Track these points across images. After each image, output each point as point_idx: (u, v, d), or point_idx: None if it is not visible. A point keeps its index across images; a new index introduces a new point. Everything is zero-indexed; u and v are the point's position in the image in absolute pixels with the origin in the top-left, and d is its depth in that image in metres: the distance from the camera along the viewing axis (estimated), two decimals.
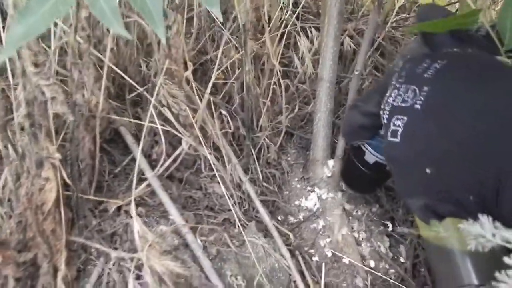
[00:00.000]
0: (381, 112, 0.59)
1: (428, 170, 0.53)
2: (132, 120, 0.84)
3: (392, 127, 0.56)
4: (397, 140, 0.56)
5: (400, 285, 0.87)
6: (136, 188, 0.82)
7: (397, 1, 1.21)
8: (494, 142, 0.49)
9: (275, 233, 0.81)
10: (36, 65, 0.65)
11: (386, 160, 0.65)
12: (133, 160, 0.86)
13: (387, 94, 0.59)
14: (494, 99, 0.51)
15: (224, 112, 0.88)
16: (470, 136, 0.51)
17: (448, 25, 0.61)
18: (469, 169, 0.51)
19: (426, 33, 0.67)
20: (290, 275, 0.79)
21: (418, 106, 0.54)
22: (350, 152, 0.84)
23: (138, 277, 0.70)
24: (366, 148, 0.78)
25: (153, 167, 0.83)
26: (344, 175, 0.92)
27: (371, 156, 0.78)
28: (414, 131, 0.55)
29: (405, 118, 0.55)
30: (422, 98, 0.54)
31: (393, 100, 0.57)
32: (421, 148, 0.54)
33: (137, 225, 0.65)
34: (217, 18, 0.84)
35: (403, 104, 0.56)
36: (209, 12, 1.00)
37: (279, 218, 0.92)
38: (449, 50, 0.62)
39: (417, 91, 0.55)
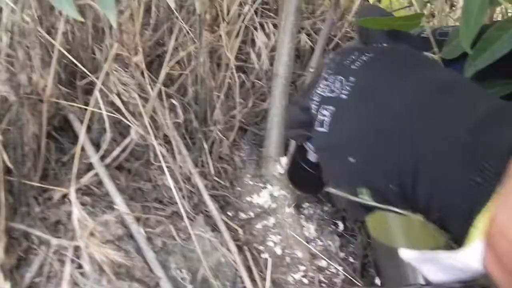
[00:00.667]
0: (311, 103, 0.58)
1: (351, 159, 0.53)
2: (80, 106, 0.82)
3: (320, 117, 0.56)
4: (324, 130, 0.56)
5: (347, 285, 0.87)
6: (83, 177, 0.80)
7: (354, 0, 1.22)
8: (412, 128, 0.49)
9: (222, 227, 0.80)
10: None
11: (315, 151, 0.65)
12: (82, 149, 0.83)
13: (316, 85, 0.59)
14: (416, 87, 0.51)
15: (176, 102, 0.87)
16: (389, 124, 0.51)
17: (390, 24, 0.62)
18: (388, 156, 0.51)
19: (363, 30, 0.68)
20: (236, 270, 0.78)
21: (344, 96, 0.54)
22: (294, 151, 0.84)
23: (79, 266, 0.68)
24: (308, 147, 0.77)
25: (102, 156, 0.81)
26: (290, 175, 0.91)
27: (313, 155, 0.78)
28: (340, 120, 0.55)
29: (332, 108, 0.56)
30: (348, 88, 0.55)
31: (322, 91, 0.57)
32: (345, 136, 0.54)
33: (76, 211, 0.63)
34: (171, 6, 0.82)
35: (330, 94, 0.56)
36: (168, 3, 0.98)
37: (229, 213, 0.90)
38: (379, 45, 0.63)
39: (344, 81, 0.55)
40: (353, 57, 0.57)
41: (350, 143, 0.54)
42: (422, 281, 0.76)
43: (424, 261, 0.52)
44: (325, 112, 0.56)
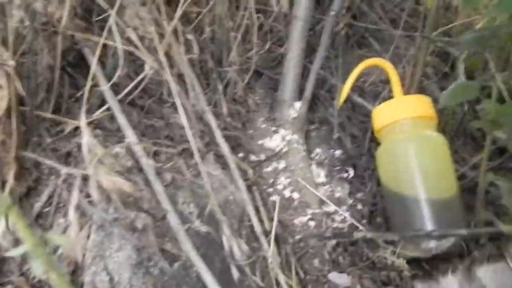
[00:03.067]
0: None
1: None
2: (96, 37, 0.81)
3: None
4: None
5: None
6: (96, 111, 0.80)
7: None
8: None
9: (232, 165, 0.80)
10: None
11: None
12: (96, 85, 0.83)
13: None
14: None
15: (191, 37, 0.86)
16: None
17: None
18: None
19: None
20: (244, 208, 0.78)
21: None
22: None
23: (87, 196, 0.68)
24: None
25: (115, 92, 0.81)
26: None
27: None
28: None
29: None
30: None
31: None
32: None
33: (86, 138, 0.63)
34: None
35: None
36: None
37: (240, 155, 0.90)
38: None
39: None
40: None
41: None
42: (429, 227, 0.77)
43: None
44: None
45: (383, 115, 0.86)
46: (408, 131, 0.82)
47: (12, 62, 0.66)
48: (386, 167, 0.85)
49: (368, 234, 0.81)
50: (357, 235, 0.81)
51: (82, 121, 0.65)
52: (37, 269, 0.29)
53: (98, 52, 0.74)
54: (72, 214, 0.62)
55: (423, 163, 0.80)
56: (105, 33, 0.75)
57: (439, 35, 0.96)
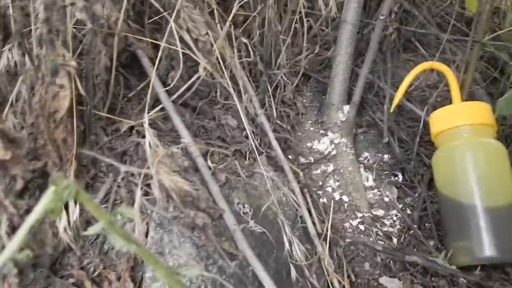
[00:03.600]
0: None
1: None
2: (149, 39, 0.83)
3: None
4: None
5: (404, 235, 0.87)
6: (149, 112, 0.81)
7: None
8: None
9: (286, 167, 0.80)
10: None
11: None
12: (148, 85, 0.85)
13: None
14: None
15: (245, 40, 0.87)
16: None
17: None
18: None
19: None
20: (297, 210, 0.79)
21: None
22: None
23: (146, 194, 0.69)
24: None
25: (168, 93, 0.82)
26: None
27: None
28: None
29: None
30: None
31: None
32: None
33: (149, 137, 0.64)
34: None
35: None
36: None
37: (290, 157, 0.91)
38: None
39: None
40: None
41: None
42: (485, 237, 0.76)
43: None
44: None
45: (441, 120, 0.85)
46: (467, 137, 0.82)
47: (73, 63, 0.67)
48: (442, 172, 0.84)
49: (419, 260, 0.80)
50: (409, 258, 0.80)
51: (146, 121, 0.66)
52: (116, 242, 0.29)
53: (159, 55, 0.75)
54: (137, 212, 0.62)
55: (481, 170, 0.79)
56: (165, 37, 0.75)
57: (489, 39, 0.95)
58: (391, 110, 0.93)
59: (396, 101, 0.91)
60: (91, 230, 0.30)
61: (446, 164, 0.83)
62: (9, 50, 0.76)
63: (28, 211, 0.65)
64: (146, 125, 0.65)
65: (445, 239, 0.83)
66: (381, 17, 0.91)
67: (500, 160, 0.80)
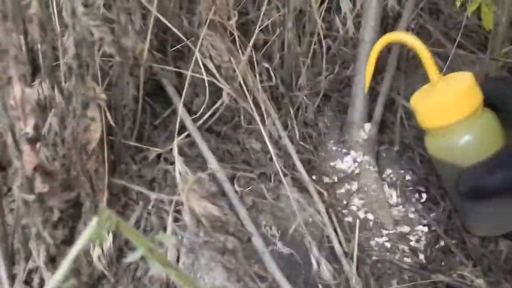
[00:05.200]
0: None
1: None
2: (174, 69, 0.85)
3: None
4: None
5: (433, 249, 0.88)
6: (174, 139, 0.84)
7: None
8: None
9: (311, 188, 0.82)
10: (85, 5, 0.66)
11: None
12: (174, 113, 0.87)
13: None
14: None
15: (266, 65, 0.89)
16: None
17: None
18: None
19: None
20: (323, 230, 0.80)
21: None
22: None
23: (175, 220, 0.71)
24: None
25: (193, 120, 0.85)
26: None
27: None
28: None
29: None
30: None
31: None
32: None
33: (178, 164, 0.67)
34: None
35: None
36: None
37: (313, 177, 0.92)
38: None
39: None
40: None
41: None
42: None
43: None
44: None
45: (432, 115, 0.77)
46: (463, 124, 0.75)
47: (103, 96, 0.70)
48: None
49: (445, 279, 0.81)
50: (436, 278, 0.81)
51: (175, 148, 0.69)
52: (157, 268, 0.31)
53: (184, 91, 0.78)
54: (173, 238, 0.64)
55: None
56: (190, 69, 0.78)
57: (508, 53, 0.96)
58: (366, 92, 0.91)
59: (367, 83, 0.88)
60: (132, 257, 0.31)
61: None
62: (39, 84, 0.79)
63: (63, 241, 0.67)
64: (175, 152, 0.67)
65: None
66: None
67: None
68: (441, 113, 0.75)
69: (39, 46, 0.79)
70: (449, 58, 1.06)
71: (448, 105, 0.74)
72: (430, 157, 0.82)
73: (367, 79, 0.86)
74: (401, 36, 0.77)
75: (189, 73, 0.78)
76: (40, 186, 0.60)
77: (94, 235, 0.29)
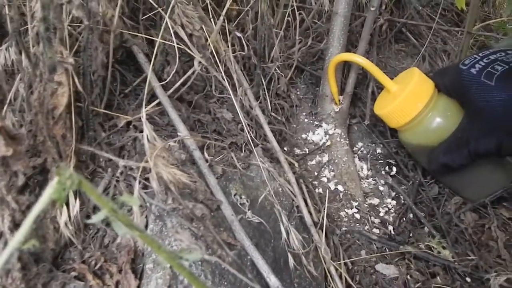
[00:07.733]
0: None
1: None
2: (144, 35, 0.84)
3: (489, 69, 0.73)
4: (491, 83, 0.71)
5: (399, 221, 0.88)
6: (146, 107, 0.83)
7: None
8: None
9: (282, 158, 0.82)
10: None
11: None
12: (144, 81, 0.86)
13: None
14: None
15: (239, 34, 0.88)
16: None
17: None
18: None
19: None
20: (293, 200, 0.80)
21: None
22: None
23: (144, 187, 0.71)
24: None
25: (163, 88, 0.84)
26: None
27: None
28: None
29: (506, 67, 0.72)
30: None
31: (498, 56, 0.74)
32: None
33: (147, 131, 0.66)
34: None
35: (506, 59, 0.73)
36: None
37: (285, 149, 0.92)
38: None
39: None
40: None
41: None
42: None
43: None
44: (497, 67, 0.74)
45: (399, 115, 0.86)
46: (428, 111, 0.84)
47: (71, 60, 0.68)
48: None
49: (413, 250, 0.82)
50: (404, 249, 0.82)
51: (143, 116, 0.68)
52: (120, 229, 0.30)
53: (156, 51, 0.77)
54: (137, 200, 0.64)
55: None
56: (160, 33, 0.77)
57: (479, 29, 0.97)
58: (337, 103, 0.97)
59: (335, 96, 0.96)
60: (95, 218, 0.31)
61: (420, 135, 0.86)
62: (6, 49, 0.77)
63: (29, 206, 0.66)
64: (144, 120, 0.66)
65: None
66: (372, 9, 0.92)
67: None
68: (405, 111, 0.83)
69: (6, 10, 0.77)
70: (431, 33, 1.07)
71: (407, 101, 0.83)
72: (407, 149, 0.90)
73: (333, 92, 0.95)
74: (351, 56, 0.88)
75: (158, 39, 0.76)
76: (3, 149, 0.59)
77: (55, 194, 0.28)
